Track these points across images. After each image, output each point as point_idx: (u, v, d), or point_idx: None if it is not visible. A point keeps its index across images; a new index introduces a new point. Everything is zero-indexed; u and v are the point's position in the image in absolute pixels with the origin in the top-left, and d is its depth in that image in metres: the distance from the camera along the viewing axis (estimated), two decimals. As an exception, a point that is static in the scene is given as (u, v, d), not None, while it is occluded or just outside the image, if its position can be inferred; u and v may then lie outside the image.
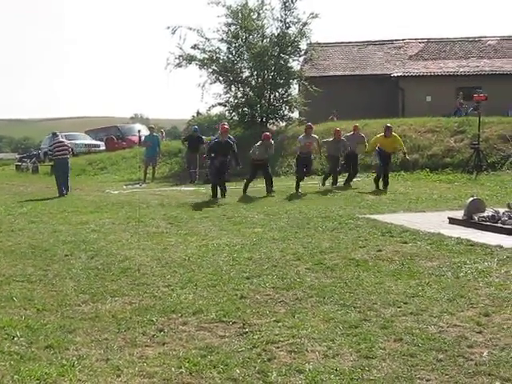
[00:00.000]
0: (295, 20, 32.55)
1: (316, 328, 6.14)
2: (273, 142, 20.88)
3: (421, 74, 38.44)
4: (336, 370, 5.10)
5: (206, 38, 32.32)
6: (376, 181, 19.75)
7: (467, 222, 12.02)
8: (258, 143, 20.10)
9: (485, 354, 5.39)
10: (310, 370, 5.13)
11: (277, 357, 5.47)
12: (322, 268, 8.68)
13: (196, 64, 32.29)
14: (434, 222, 12.42)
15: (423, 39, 42.97)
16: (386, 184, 19.40)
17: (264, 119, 33.21)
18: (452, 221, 12.40)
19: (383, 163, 19.86)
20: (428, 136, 25.82)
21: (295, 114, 35.97)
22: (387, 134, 19.75)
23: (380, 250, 9.72)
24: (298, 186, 19.45)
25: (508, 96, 31.94)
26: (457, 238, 10.40)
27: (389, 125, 20.26)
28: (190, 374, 5.18)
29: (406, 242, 10.31)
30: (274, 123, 34.19)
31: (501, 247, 9.61)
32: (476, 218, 12.02)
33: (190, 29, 31.97)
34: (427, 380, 4.88)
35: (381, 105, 34.47)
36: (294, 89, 34.56)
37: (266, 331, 6.11)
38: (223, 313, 6.72)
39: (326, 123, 29.32)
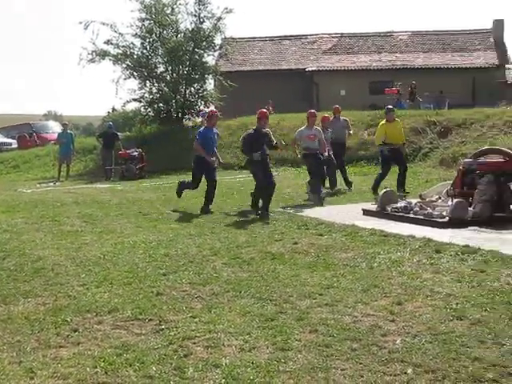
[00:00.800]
0: (209, 15, 32.50)
1: (232, 322, 6.14)
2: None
3: (334, 68, 39.07)
4: (252, 363, 5.11)
5: (120, 33, 31.93)
6: (375, 188, 16.10)
7: (381, 214, 12.27)
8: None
9: (398, 341, 5.49)
10: (226, 364, 5.11)
11: (193, 352, 5.43)
12: (238, 262, 8.70)
13: (110, 59, 31.87)
14: (349, 214, 12.62)
15: (336, 34, 43.61)
16: (401, 185, 16.33)
17: (180, 114, 33.04)
18: (366, 212, 12.64)
19: (397, 162, 16.64)
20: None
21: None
22: (390, 117, 16.75)
23: (296, 243, 9.81)
24: (318, 188, 14.93)
25: (419, 89, 32.70)
26: (371, 229, 10.60)
27: (390, 106, 18.20)
28: (106, 373, 5.10)
29: (321, 235, 10.44)
30: (189, 118, 34.06)
31: (413, 237, 9.84)
32: (389, 209, 12.27)
33: (103, 24, 31.51)
34: (342, 369, 4.94)
35: (296, 99, 34.77)
36: (210, 84, 34.57)
37: (183, 327, 6.06)
38: (139, 310, 6.63)
39: (242, 118, 29.33)
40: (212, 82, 34.66)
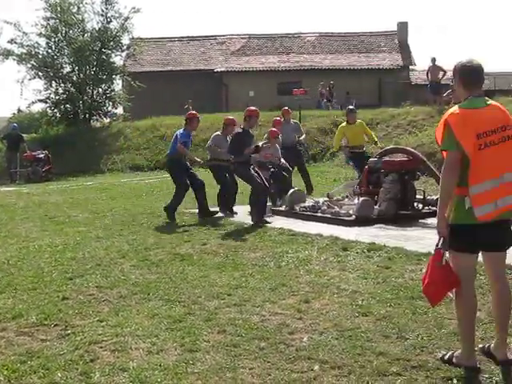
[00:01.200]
0: (117, 14, 32.26)
1: (140, 325, 6.07)
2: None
3: (243, 69, 39.21)
4: (160, 365, 5.06)
5: (24, 33, 31.26)
6: None
7: (289, 213, 12.38)
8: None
9: (305, 339, 5.55)
10: (133, 367, 5.05)
11: (100, 357, 5.34)
12: (146, 264, 8.61)
13: (14, 59, 31.13)
14: (258, 213, 12.66)
15: (245, 35, 43.80)
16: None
17: (87, 115, 32.54)
18: (275, 212, 12.72)
19: (356, 166, 15.39)
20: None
21: (119, 110, 35.61)
22: (351, 119, 15.62)
23: (205, 244, 9.79)
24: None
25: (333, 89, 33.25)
26: (279, 229, 10.69)
27: (351, 106, 17.27)
28: (9, 381, 4.95)
29: (230, 235, 10.46)
30: (97, 120, 33.60)
31: (320, 236, 9.97)
32: (297, 208, 12.41)
33: (7, 22, 30.77)
34: (250, 368, 4.95)
35: (205, 100, 34.73)
36: (118, 84, 34.24)
37: (89, 332, 5.95)
38: (44, 316, 6.47)
39: (151, 119, 29.10)
40: (120, 82, 34.34)
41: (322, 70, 38.60)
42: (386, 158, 12.70)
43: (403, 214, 11.47)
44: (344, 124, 15.76)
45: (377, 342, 5.41)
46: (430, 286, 4.86)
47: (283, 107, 17.21)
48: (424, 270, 5.10)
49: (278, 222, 11.45)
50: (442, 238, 4.74)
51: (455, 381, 4.61)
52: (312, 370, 4.89)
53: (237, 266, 8.33)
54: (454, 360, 4.90)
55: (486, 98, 4.89)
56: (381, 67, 39.02)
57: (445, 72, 25.64)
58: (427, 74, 27.60)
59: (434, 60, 27.67)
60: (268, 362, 5.07)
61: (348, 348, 5.28)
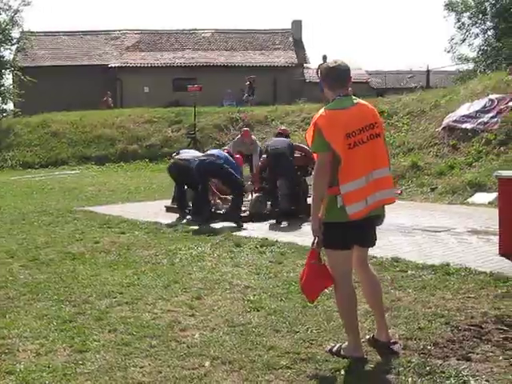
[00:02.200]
0: (6, 7, 31.27)
1: (28, 326, 5.92)
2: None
3: (138, 65, 38.76)
4: (49, 367, 4.95)
5: None
6: None
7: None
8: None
9: (196, 335, 5.57)
10: (21, 370, 4.92)
11: (-15, 361, 5.18)
12: (36, 264, 8.40)
13: None
14: (152, 211, 12.62)
15: (139, 30, 43.26)
16: None
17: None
18: (168, 209, 12.68)
19: None
20: (146, 126, 26.17)
21: (9, 106, 34.55)
22: None
23: (97, 242, 9.65)
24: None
25: (222, 87, 33.28)
26: (173, 226, 10.66)
27: None
28: None
29: (123, 233, 10.35)
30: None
31: (214, 232, 10.01)
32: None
33: None
34: (141, 367, 4.92)
35: (100, 95, 34.10)
36: (8, 79, 33.19)
37: (-26, 335, 5.77)
38: None
39: (43, 115, 28.33)
40: (10, 77, 33.30)
41: (217, 66, 38.63)
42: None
43: (296, 210, 11.64)
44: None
45: (267, 336, 5.48)
46: (306, 283, 5.06)
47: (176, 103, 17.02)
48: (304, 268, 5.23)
49: (172, 219, 11.41)
50: (316, 238, 4.86)
51: (343, 372, 4.74)
52: (203, 366, 4.91)
53: (129, 263, 8.26)
54: (342, 352, 5.03)
55: (354, 97, 5.01)
56: (276, 65, 39.38)
57: None
58: (317, 72, 28.03)
59: (325, 58, 28.21)
60: (159, 359, 5.06)
61: (239, 343, 5.33)
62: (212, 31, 43.55)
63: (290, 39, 42.30)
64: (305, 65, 40.82)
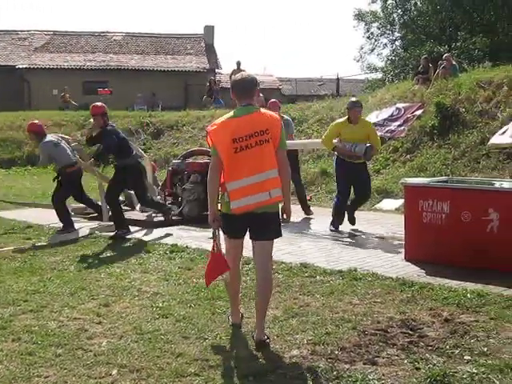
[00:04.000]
0: None
1: None
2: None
3: (47, 66, 37.93)
4: None
5: None
6: (339, 218, 11.00)
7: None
8: None
9: (104, 343, 5.47)
10: None
11: None
12: None
13: None
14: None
15: (49, 31, 42.31)
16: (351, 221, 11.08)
17: None
18: (76, 212, 12.45)
19: (353, 182, 10.84)
20: (55, 130, 25.37)
21: None
22: (353, 116, 10.67)
23: (1, 248, 9.38)
24: None
25: (133, 91, 32.97)
26: (82, 231, 10.46)
27: (354, 99, 12.37)
28: None
29: (29, 238, 10.10)
30: None
31: (123, 238, 9.88)
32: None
33: None
34: (46, 377, 4.80)
35: (6, 97, 33.18)
36: None
37: None
38: None
39: None
40: None
41: (128, 69, 38.24)
42: (190, 160, 12.82)
43: (206, 215, 11.56)
44: (341, 120, 11.04)
45: (176, 343, 5.44)
46: (206, 269, 5.76)
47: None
48: None
49: (82, 225, 11.21)
50: (213, 230, 5.55)
51: (251, 378, 4.74)
52: (110, 374, 4.82)
53: (35, 270, 8.05)
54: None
55: (255, 107, 5.57)
56: (187, 69, 39.28)
57: None
58: (230, 77, 28.10)
59: (239, 64, 28.33)
60: (65, 368, 4.94)
61: (147, 351, 5.27)
62: (123, 34, 43.06)
63: (202, 44, 42.30)
64: (217, 70, 40.86)
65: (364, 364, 4.96)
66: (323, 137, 11.09)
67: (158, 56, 40.88)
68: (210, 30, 42.89)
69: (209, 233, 10.27)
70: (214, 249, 5.59)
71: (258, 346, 5.37)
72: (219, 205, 5.64)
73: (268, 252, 5.59)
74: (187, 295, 6.85)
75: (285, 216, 5.77)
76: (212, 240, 5.60)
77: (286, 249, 9.16)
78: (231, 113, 5.57)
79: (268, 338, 5.44)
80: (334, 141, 10.71)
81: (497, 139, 14.19)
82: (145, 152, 22.61)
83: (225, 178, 5.43)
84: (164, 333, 5.69)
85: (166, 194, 12.42)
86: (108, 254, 8.84)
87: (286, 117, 12.63)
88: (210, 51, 41.71)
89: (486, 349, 5.20)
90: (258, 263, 5.62)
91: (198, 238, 9.89)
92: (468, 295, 6.65)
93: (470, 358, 5.03)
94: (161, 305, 6.51)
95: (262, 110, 5.67)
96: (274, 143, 5.43)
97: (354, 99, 11.75)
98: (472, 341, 5.40)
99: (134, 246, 9.37)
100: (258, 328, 5.44)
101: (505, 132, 14.21)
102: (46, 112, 27.24)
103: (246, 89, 5.56)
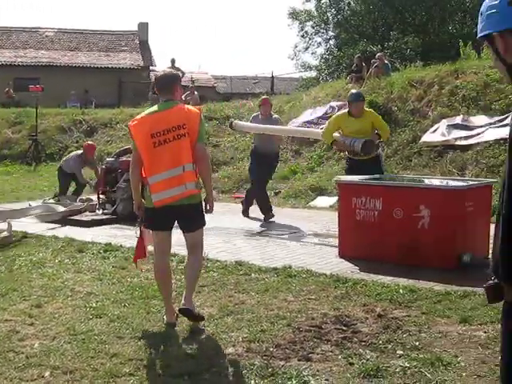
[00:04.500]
0: None
1: None
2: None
3: (-24, 62, 37.06)
4: None
5: None
6: None
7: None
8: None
9: (36, 345, 5.37)
10: None
11: None
12: None
13: None
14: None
15: (-22, 26, 41.38)
16: None
17: None
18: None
19: None
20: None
21: None
22: (354, 108, 9.80)
23: None
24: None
25: (65, 88, 32.44)
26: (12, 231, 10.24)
27: (355, 91, 11.19)
28: None
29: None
30: None
31: (56, 237, 9.74)
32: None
33: None
34: (-25, 380, 4.70)
35: None
36: None
37: None
38: None
39: None
40: None
41: (61, 66, 37.59)
42: (124, 158, 12.70)
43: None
44: (340, 113, 10.33)
45: (110, 343, 5.39)
46: (135, 250, 6.35)
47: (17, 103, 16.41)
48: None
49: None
50: (138, 217, 5.97)
51: (186, 377, 4.73)
52: (43, 376, 4.75)
53: (-38, 272, 7.86)
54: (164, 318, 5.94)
55: (175, 102, 5.83)
56: (121, 66, 38.84)
57: (183, 73, 26.14)
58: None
59: (173, 61, 28.23)
60: (-5, 371, 4.84)
61: (81, 352, 5.20)
62: (55, 30, 42.32)
63: (136, 41, 41.88)
64: (151, 67, 40.53)
65: (299, 360, 5.01)
66: (323, 130, 10.43)
67: (91, 53, 40.34)
68: (144, 26, 42.51)
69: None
70: (137, 234, 6.14)
71: (181, 311, 5.76)
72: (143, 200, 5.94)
73: (197, 238, 5.92)
74: (121, 294, 6.78)
75: (208, 206, 5.96)
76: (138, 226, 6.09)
77: (220, 247, 9.18)
78: (154, 107, 5.92)
79: (193, 309, 5.80)
80: (336, 134, 9.90)
81: (428, 137, 14.50)
82: (76, 150, 22.41)
83: (145, 173, 5.71)
84: (98, 333, 5.63)
85: (100, 192, 12.27)
86: (40, 254, 8.67)
87: (275, 116, 12.53)
88: (145, 48, 41.34)
89: (417, 343, 5.31)
90: (188, 248, 5.94)
91: (131, 237, 9.75)
92: (400, 291, 6.78)
93: (402, 352, 5.13)
94: (94, 305, 6.43)
95: (182, 105, 5.94)
96: (192, 137, 5.65)
97: (354, 91, 10.72)
98: (404, 335, 5.51)
99: (66, 245, 9.22)
100: (186, 299, 5.76)
101: (436, 130, 14.53)
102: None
103: (165, 84, 5.86)
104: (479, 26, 2.49)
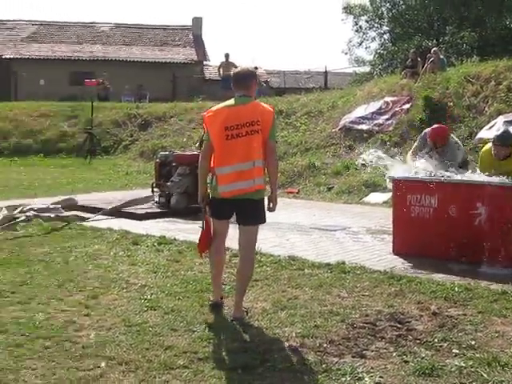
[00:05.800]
0: None
1: None
2: None
3: (34, 57, 37.71)
4: None
5: None
6: None
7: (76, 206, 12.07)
8: None
9: (92, 335, 5.44)
10: None
11: None
12: None
13: None
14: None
15: (36, 22, 42.11)
16: None
17: None
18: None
19: None
20: (41, 120, 25.46)
21: None
22: (498, 152, 8.53)
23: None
24: None
25: (120, 82, 32.80)
26: (68, 223, 10.40)
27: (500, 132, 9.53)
28: None
29: (15, 230, 10.01)
30: None
31: (111, 230, 9.86)
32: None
33: None
34: (33, 369, 4.76)
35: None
36: None
37: None
38: None
39: None
40: None
41: (116, 61, 38.01)
42: (178, 152, 12.79)
43: (193, 208, 11.56)
44: (487, 150, 8.87)
45: (164, 335, 5.43)
46: (198, 241, 6.23)
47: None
48: None
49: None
50: (203, 208, 6.01)
51: (240, 370, 4.73)
52: (98, 367, 4.79)
53: (22, 261, 7.98)
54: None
55: (249, 98, 5.90)
56: (175, 61, 39.12)
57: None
58: (219, 69, 28.13)
59: (227, 56, 28.29)
60: (53, 361, 4.91)
61: (136, 343, 5.25)
62: (111, 25, 42.87)
63: (190, 36, 42.14)
64: (205, 62, 40.75)
65: (353, 357, 4.98)
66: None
67: (145, 47, 40.72)
68: (198, 21, 42.73)
69: (196, 225, 10.40)
70: (202, 225, 6.09)
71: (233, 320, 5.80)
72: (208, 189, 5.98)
73: (251, 236, 5.94)
74: (176, 287, 6.83)
75: (271, 205, 5.99)
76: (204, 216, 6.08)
77: (274, 242, 9.18)
78: (230, 101, 5.94)
79: (247, 311, 5.93)
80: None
81: (484, 134, 14.25)
82: (132, 143, 22.63)
83: (214, 163, 5.81)
84: (152, 325, 5.67)
85: (155, 185, 12.37)
86: (96, 246, 8.79)
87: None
88: (198, 43, 41.56)
89: (474, 342, 5.24)
90: (241, 245, 5.98)
91: (185, 230, 9.86)
92: (456, 289, 6.69)
93: (458, 351, 5.06)
94: (149, 297, 6.49)
95: (257, 101, 6.02)
96: (264, 134, 5.72)
97: (501, 134, 9.03)
98: (460, 334, 5.44)
99: (121, 238, 9.32)
100: (236, 306, 5.89)
101: (492, 127, 14.27)
102: (33, 103, 27.12)
103: (242, 80, 5.93)
104: None
